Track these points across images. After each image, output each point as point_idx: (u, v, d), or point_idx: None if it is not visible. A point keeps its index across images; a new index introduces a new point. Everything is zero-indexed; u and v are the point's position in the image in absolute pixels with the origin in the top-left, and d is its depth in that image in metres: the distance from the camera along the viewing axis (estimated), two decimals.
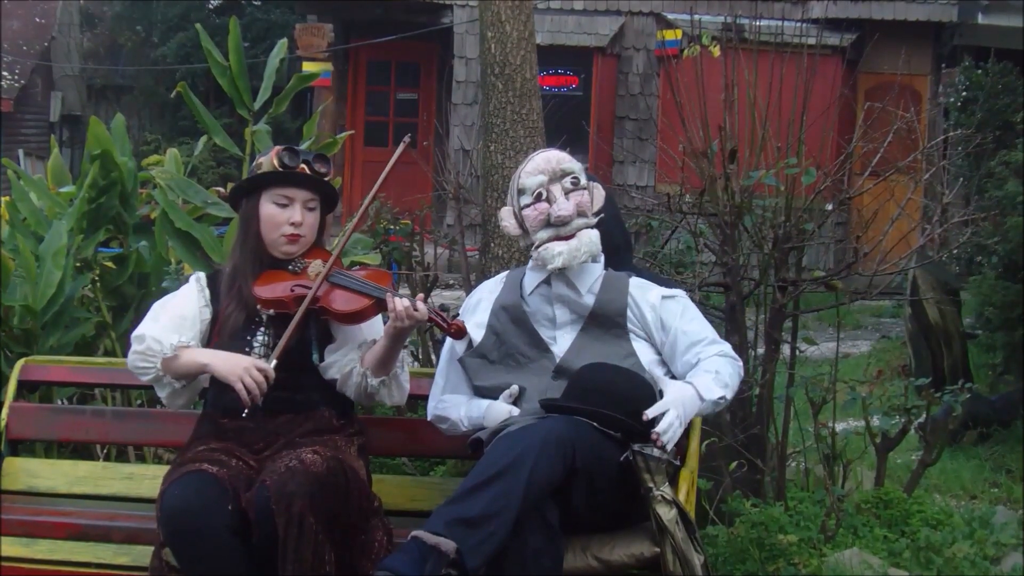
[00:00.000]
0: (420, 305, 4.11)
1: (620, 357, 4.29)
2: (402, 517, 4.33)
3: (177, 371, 4.26)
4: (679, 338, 4.32)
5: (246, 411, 4.11)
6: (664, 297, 4.41)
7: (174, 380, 4.30)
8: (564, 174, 4.39)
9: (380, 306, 4.17)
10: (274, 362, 4.15)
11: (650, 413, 3.97)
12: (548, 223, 4.37)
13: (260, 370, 4.11)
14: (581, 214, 4.38)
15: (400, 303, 4.10)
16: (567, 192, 4.37)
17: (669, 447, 3.95)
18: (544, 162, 4.42)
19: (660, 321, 4.35)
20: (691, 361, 4.27)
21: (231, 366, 4.14)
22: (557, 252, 4.33)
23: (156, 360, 4.25)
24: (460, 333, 4.22)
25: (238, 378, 4.10)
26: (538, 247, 4.40)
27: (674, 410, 3.99)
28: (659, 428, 3.94)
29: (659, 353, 4.37)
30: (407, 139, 4.42)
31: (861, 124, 6.21)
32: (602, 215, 4.46)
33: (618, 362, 4.27)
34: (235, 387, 4.10)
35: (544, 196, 4.38)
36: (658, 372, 4.30)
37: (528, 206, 4.41)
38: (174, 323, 4.31)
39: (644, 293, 4.41)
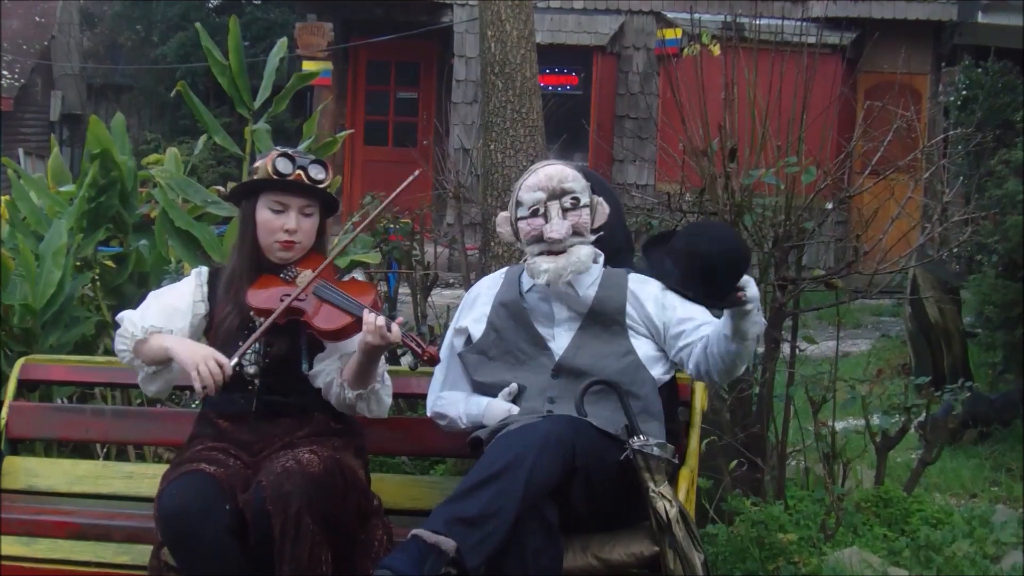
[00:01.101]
0: (395, 328, 4.06)
1: (618, 355, 4.29)
2: (402, 516, 4.33)
3: (145, 355, 4.26)
4: (686, 322, 4.28)
5: (196, 401, 4.11)
6: (664, 288, 4.39)
7: (144, 364, 4.30)
8: (564, 193, 4.33)
9: (361, 324, 4.15)
10: (235, 360, 4.14)
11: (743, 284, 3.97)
12: (540, 239, 4.36)
13: (218, 363, 4.10)
14: (577, 233, 4.33)
15: (374, 320, 4.07)
16: (565, 211, 4.32)
17: (749, 306, 3.96)
18: (545, 179, 4.36)
19: (663, 307, 4.33)
20: (701, 335, 4.22)
21: (190, 353, 4.14)
22: (543, 269, 4.29)
23: (129, 342, 4.27)
24: (433, 361, 4.16)
25: (194, 365, 4.09)
26: (528, 258, 4.40)
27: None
28: (747, 293, 3.95)
29: (659, 349, 4.35)
30: (417, 173, 4.41)
31: (861, 123, 6.22)
32: (601, 232, 4.43)
33: (616, 360, 4.27)
34: (190, 374, 4.09)
35: (540, 212, 4.35)
36: (657, 369, 4.31)
37: (523, 219, 4.38)
38: (163, 312, 4.32)
39: (643, 286, 4.39)
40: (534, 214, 4.35)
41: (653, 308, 4.34)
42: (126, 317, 4.30)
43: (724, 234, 4.24)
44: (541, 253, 4.33)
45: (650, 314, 4.34)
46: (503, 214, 4.50)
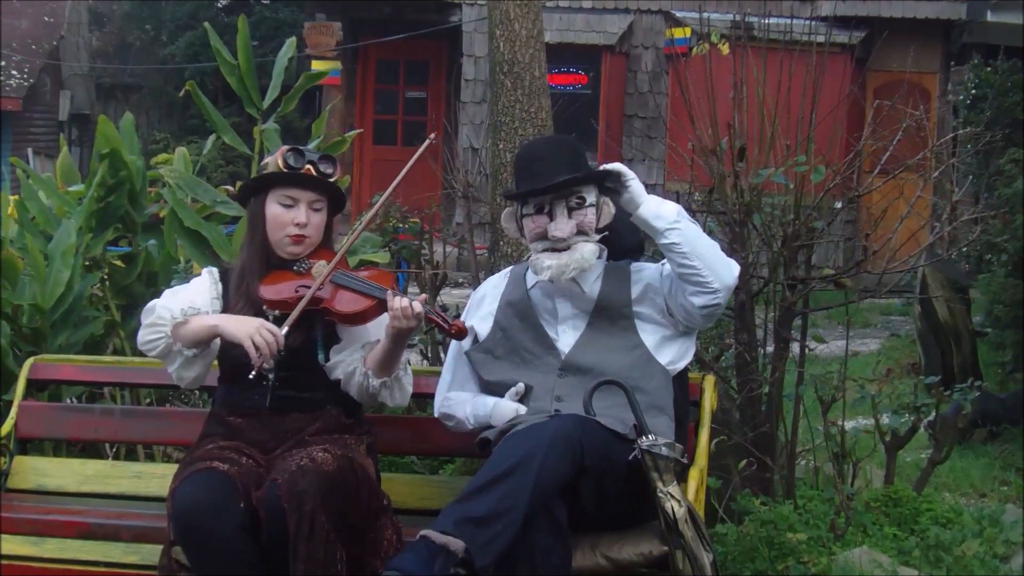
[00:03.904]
0: (419, 305, 4.10)
1: (627, 349, 4.30)
2: (411, 516, 4.33)
3: (187, 337, 4.26)
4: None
5: (253, 373, 4.09)
6: (663, 262, 4.38)
7: (184, 348, 4.29)
8: (571, 193, 4.34)
9: (382, 307, 4.16)
10: (285, 329, 4.14)
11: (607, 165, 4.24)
12: (545, 237, 4.35)
13: (270, 331, 4.11)
14: (581, 232, 4.33)
15: (400, 302, 4.09)
16: (570, 210, 4.32)
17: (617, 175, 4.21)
18: None
19: (660, 275, 4.36)
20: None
21: (242, 325, 4.15)
22: (546, 265, 4.30)
23: (166, 327, 4.26)
24: (461, 334, 4.21)
25: (248, 336, 4.09)
26: (532, 255, 4.40)
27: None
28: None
29: (671, 330, 4.35)
30: (432, 138, 4.41)
31: (870, 122, 6.21)
32: (606, 232, 4.43)
33: (624, 354, 4.29)
34: (244, 345, 4.09)
35: (546, 210, 4.35)
36: (667, 355, 4.32)
37: (528, 216, 4.39)
38: (184, 304, 4.33)
39: (643, 271, 4.41)
40: (539, 211, 4.35)
41: (657, 282, 4.35)
42: (157, 305, 4.31)
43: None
44: (545, 250, 4.33)
45: (656, 288, 4.35)
46: (508, 210, 4.51)
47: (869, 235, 5.95)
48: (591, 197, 4.35)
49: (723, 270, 4.22)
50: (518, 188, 4.42)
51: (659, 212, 4.19)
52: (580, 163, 4.38)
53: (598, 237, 4.38)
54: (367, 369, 4.25)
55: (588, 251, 4.32)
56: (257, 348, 4.08)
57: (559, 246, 4.31)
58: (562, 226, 4.30)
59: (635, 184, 4.21)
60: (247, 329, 4.12)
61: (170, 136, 21.92)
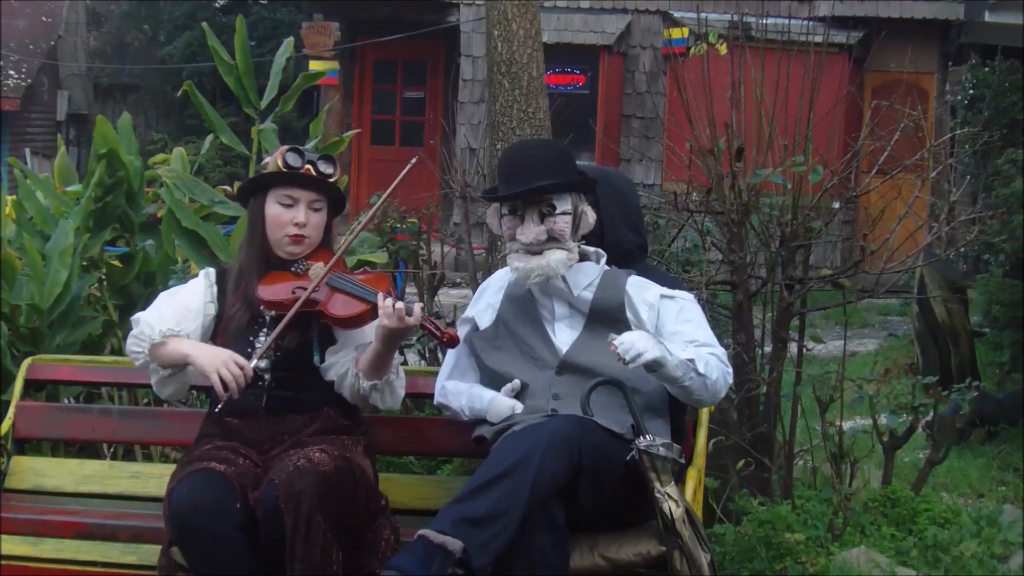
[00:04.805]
0: (415, 310, 4.08)
1: None
2: (409, 516, 4.33)
3: (163, 359, 4.27)
4: (675, 336, 4.26)
5: (219, 406, 4.12)
6: (663, 296, 4.37)
7: (159, 367, 4.31)
8: (542, 200, 4.34)
9: (377, 311, 4.16)
10: (254, 362, 4.15)
11: (614, 340, 4.02)
12: (515, 238, 4.37)
13: (239, 365, 4.11)
14: (553, 239, 4.32)
15: (391, 303, 4.09)
16: (542, 216, 4.33)
17: (628, 358, 3.98)
18: None
19: (656, 319, 4.33)
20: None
21: (210, 358, 4.14)
22: (514, 267, 4.35)
23: (145, 345, 4.27)
24: (453, 342, 4.20)
25: (215, 369, 4.09)
26: (506, 254, 4.44)
27: (641, 338, 4.04)
28: (617, 340, 4.01)
29: None
30: (415, 160, 4.41)
31: (868, 122, 6.22)
32: (583, 242, 4.43)
33: None
34: (211, 379, 4.09)
35: (518, 213, 4.36)
36: None
37: (505, 216, 4.42)
38: (176, 313, 4.33)
39: (642, 292, 4.38)
40: (512, 213, 4.38)
41: (647, 314, 4.33)
42: (142, 319, 4.31)
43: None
44: (516, 251, 4.36)
45: (643, 320, 4.32)
46: (493, 206, 4.52)
47: (867, 235, 5.96)
48: (564, 205, 4.34)
49: (710, 400, 4.27)
50: (497, 190, 4.44)
51: (671, 376, 4.11)
52: (561, 169, 4.36)
53: (573, 245, 4.37)
54: (358, 371, 4.24)
55: (555, 259, 4.31)
56: (224, 382, 4.09)
57: (531, 249, 4.32)
58: (528, 232, 4.31)
59: (662, 360, 4.07)
60: (215, 363, 4.12)
61: (168, 136, 21.94)
